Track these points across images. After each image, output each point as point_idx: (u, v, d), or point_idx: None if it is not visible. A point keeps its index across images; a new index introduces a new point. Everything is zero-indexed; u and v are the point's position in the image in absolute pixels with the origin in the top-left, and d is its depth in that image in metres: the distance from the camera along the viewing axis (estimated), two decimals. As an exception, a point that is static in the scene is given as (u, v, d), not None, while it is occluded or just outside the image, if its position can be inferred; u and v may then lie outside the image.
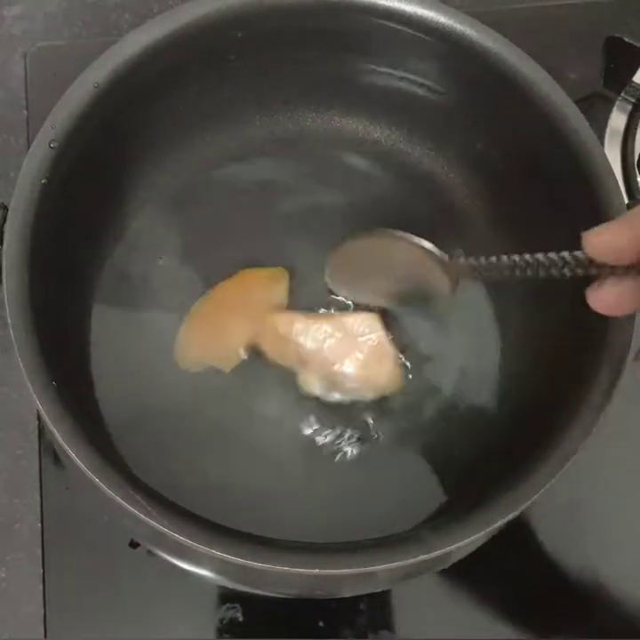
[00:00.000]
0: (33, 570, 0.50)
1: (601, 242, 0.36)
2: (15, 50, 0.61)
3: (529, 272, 0.39)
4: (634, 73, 0.58)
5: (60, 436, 0.37)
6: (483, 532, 0.37)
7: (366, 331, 0.49)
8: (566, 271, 0.38)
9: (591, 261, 0.37)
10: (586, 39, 0.60)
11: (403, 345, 0.50)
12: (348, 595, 0.48)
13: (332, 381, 0.48)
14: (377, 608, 0.49)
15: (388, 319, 0.49)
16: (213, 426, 0.48)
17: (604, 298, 0.37)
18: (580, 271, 0.38)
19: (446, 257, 0.43)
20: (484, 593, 0.50)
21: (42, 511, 0.51)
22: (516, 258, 0.39)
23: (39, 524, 0.51)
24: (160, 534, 0.37)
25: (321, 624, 0.49)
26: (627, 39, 0.58)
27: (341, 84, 0.52)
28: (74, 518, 0.50)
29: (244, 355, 0.49)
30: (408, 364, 0.49)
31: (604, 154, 0.44)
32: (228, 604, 0.49)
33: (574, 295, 0.38)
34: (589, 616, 0.50)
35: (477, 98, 0.48)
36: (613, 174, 0.43)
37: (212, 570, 0.43)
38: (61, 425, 0.37)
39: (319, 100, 0.53)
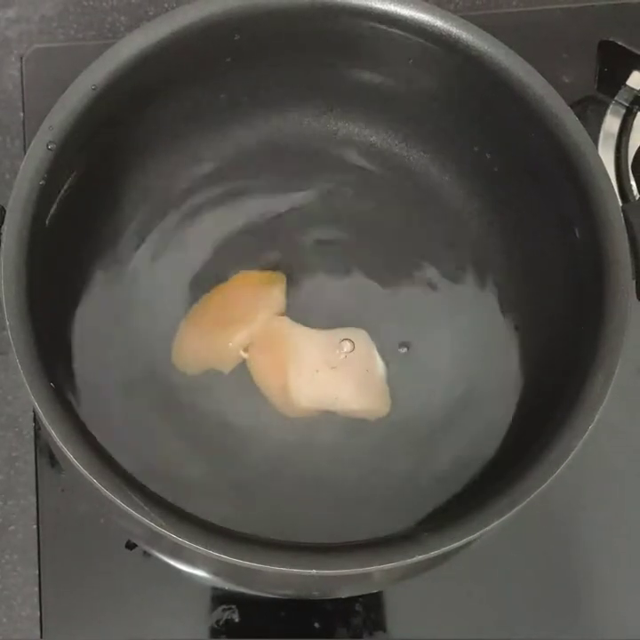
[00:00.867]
0: (28, 572, 0.50)
1: None
2: (11, 52, 0.61)
3: None
4: (627, 77, 0.59)
5: (57, 436, 0.37)
6: (479, 533, 0.37)
7: (358, 349, 0.49)
8: None
9: None
10: (579, 43, 0.61)
11: (395, 350, 0.50)
12: (343, 595, 0.48)
13: (323, 402, 0.48)
14: (372, 609, 0.49)
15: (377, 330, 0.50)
16: (211, 426, 0.48)
17: None
18: None
19: None
20: (480, 594, 0.50)
21: (37, 513, 0.51)
22: None
23: (34, 526, 0.51)
24: (157, 535, 0.37)
25: (316, 625, 0.49)
26: (620, 43, 0.58)
27: (337, 86, 0.52)
28: (69, 520, 0.50)
29: (244, 354, 0.49)
30: (402, 367, 0.50)
31: (599, 157, 0.44)
32: (224, 606, 0.49)
33: (569, 295, 0.39)
34: (585, 618, 0.50)
35: (473, 101, 0.49)
36: (608, 177, 0.44)
37: (208, 571, 0.43)
38: (59, 426, 0.37)
39: (315, 102, 0.53)
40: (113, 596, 0.49)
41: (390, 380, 0.49)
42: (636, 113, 0.59)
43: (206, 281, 0.51)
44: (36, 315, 0.39)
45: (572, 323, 0.45)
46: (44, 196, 0.41)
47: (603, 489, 0.52)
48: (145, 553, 0.49)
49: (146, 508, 0.36)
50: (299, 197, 0.53)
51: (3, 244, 0.40)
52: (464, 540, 0.37)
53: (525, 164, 0.48)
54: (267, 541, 0.38)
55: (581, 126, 0.45)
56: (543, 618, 0.50)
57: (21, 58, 0.61)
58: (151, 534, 0.37)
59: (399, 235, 0.53)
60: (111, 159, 0.48)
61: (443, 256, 0.52)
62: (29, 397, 0.38)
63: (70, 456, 0.37)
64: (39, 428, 0.52)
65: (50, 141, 0.42)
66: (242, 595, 0.49)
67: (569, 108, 0.45)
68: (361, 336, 0.50)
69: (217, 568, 0.42)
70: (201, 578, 0.46)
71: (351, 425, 0.48)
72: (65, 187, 0.44)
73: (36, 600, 0.49)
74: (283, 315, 0.50)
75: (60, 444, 0.37)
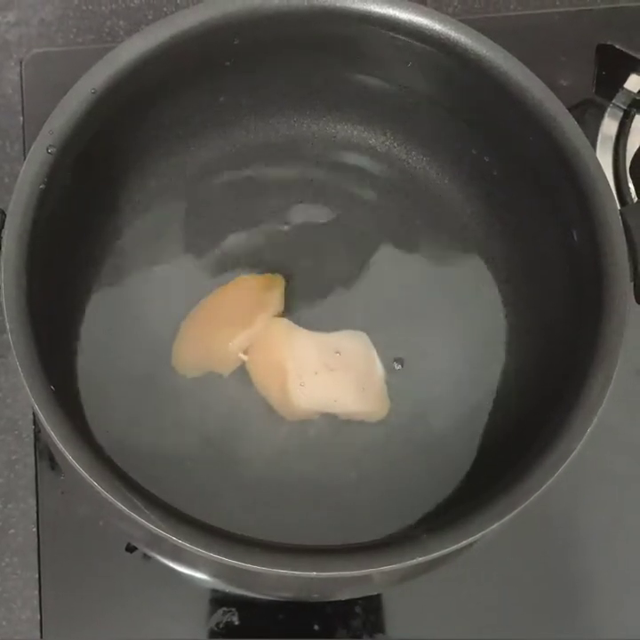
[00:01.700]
0: (28, 575, 0.50)
1: None
2: (10, 56, 0.62)
3: None
4: (625, 80, 0.59)
5: (57, 439, 0.37)
6: (479, 535, 0.37)
7: (356, 351, 0.49)
8: None
9: None
10: (577, 47, 0.61)
11: (394, 354, 0.50)
12: (343, 598, 0.48)
13: (322, 404, 0.49)
14: (372, 611, 0.49)
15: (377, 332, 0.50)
16: (211, 429, 0.48)
17: None
18: None
19: None
20: (480, 596, 0.50)
21: (37, 516, 0.51)
22: None
23: (34, 529, 0.51)
24: (157, 538, 0.37)
25: (316, 627, 0.49)
26: (618, 46, 0.58)
27: (336, 90, 0.52)
28: (69, 523, 0.50)
29: (243, 357, 0.49)
30: (402, 369, 0.50)
31: (597, 160, 0.44)
32: (224, 608, 0.49)
33: (568, 298, 0.39)
34: (584, 619, 0.50)
35: (471, 104, 0.49)
36: (606, 179, 0.44)
37: (208, 573, 0.43)
38: (59, 428, 0.37)
39: (314, 106, 0.53)
40: (113, 598, 0.49)
41: (389, 382, 0.49)
42: (633, 116, 0.59)
43: (206, 284, 0.51)
44: (36, 318, 0.39)
45: (570, 325, 0.45)
46: (44, 199, 0.41)
47: (602, 491, 0.52)
48: (145, 555, 0.49)
49: (146, 511, 0.36)
50: (297, 200, 0.53)
51: (3, 248, 0.40)
52: (463, 542, 0.37)
53: (524, 167, 0.48)
54: (266, 544, 0.38)
55: (579, 129, 0.45)
56: (542, 619, 0.50)
57: (21, 62, 0.61)
58: (151, 537, 0.37)
59: (398, 237, 0.53)
60: (111, 162, 0.48)
61: (441, 258, 0.52)
62: (29, 400, 0.38)
63: (70, 459, 0.37)
64: (39, 431, 0.52)
65: (50, 145, 0.42)
66: (241, 597, 0.49)
67: (567, 111, 0.45)
68: (360, 338, 0.50)
69: (217, 570, 0.42)
70: (201, 580, 0.46)
71: (350, 427, 0.48)
72: (65, 190, 0.44)
73: (36, 603, 0.49)
74: (280, 316, 0.50)
75: (60, 446, 0.37)
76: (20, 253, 0.40)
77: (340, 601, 0.49)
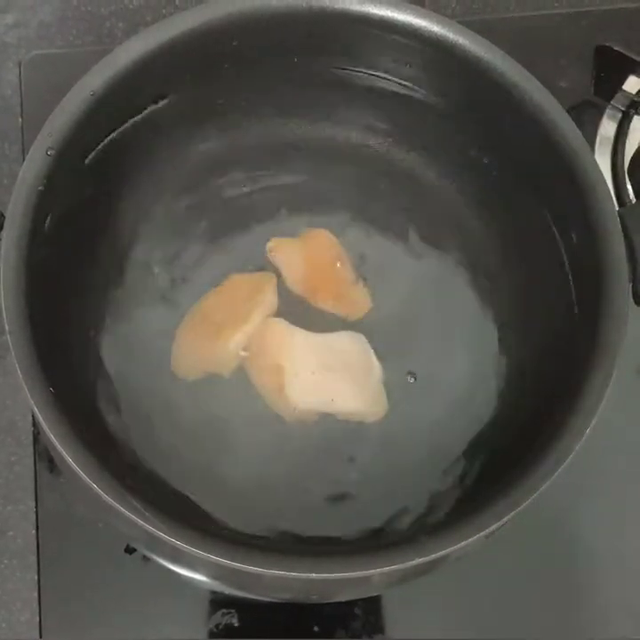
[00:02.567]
0: (27, 577, 0.50)
1: None
2: (9, 58, 0.62)
3: None
4: (623, 81, 0.59)
5: (57, 441, 0.37)
6: (478, 536, 0.37)
7: (354, 352, 0.49)
8: None
9: None
10: (576, 48, 0.61)
11: (393, 355, 0.50)
12: (343, 599, 0.48)
13: (320, 403, 0.49)
14: (371, 612, 0.49)
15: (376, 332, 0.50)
16: (210, 430, 0.48)
17: None
18: None
19: None
20: (479, 596, 0.50)
21: (36, 518, 0.51)
22: None
23: (33, 531, 0.51)
24: (156, 539, 0.37)
25: (316, 628, 0.49)
26: (616, 48, 0.58)
27: (335, 91, 0.52)
28: (68, 525, 0.50)
29: (243, 353, 0.49)
30: (401, 370, 0.50)
31: (595, 161, 0.44)
32: (223, 610, 0.49)
33: (567, 298, 0.39)
34: (585, 619, 0.50)
35: (470, 105, 0.49)
36: (604, 181, 0.44)
37: (207, 575, 0.43)
38: (58, 430, 0.38)
39: (313, 106, 0.53)
40: (112, 600, 0.49)
41: (386, 382, 0.49)
42: (632, 117, 0.59)
43: (202, 283, 0.51)
44: (35, 319, 0.39)
45: (570, 325, 0.45)
46: (43, 201, 0.42)
47: (601, 491, 0.52)
48: (144, 557, 0.49)
49: (145, 513, 0.37)
50: (296, 201, 0.53)
51: (2, 250, 0.40)
52: (463, 543, 0.37)
53: (522, 168, 0.48)
54: (266, 545, 0.38)
55: (578, 130, 0.45)
56: (542, 620, 0.50)
57: (20, 63, 0.61)
58: (150, 538, 0.37)
59: (395, 239, 0.53)
60: (109, 164, 0.48)
61: (439, 258, 0.52)
62: (28, 402, 0.38)
63: (69, 460, 0.37)
64: (38, 433, 0.52)
65: (49, 147, 0.42)
66: (241, 598, 0.49)
67: (566, 112, 0.46)
68: (358, 339, 0.50)
69: (216, 572, 0.42)
70: (200, 582, 0.46)
71: (349, 427, 0.49)
72: (64, 192, 0.44)
73: (36, 605, 0.49)
74: (274, 314, 0.50)
75: (59, 448, 0.37)
76: (19, 255, 0.40)
77: (340, 602, 0.49)
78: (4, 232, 0.40)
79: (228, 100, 0.52)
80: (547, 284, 0.49)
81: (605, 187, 0.44)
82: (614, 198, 0.53)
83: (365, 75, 0.50)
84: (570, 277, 0.46)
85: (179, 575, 0.44)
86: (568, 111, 0.46)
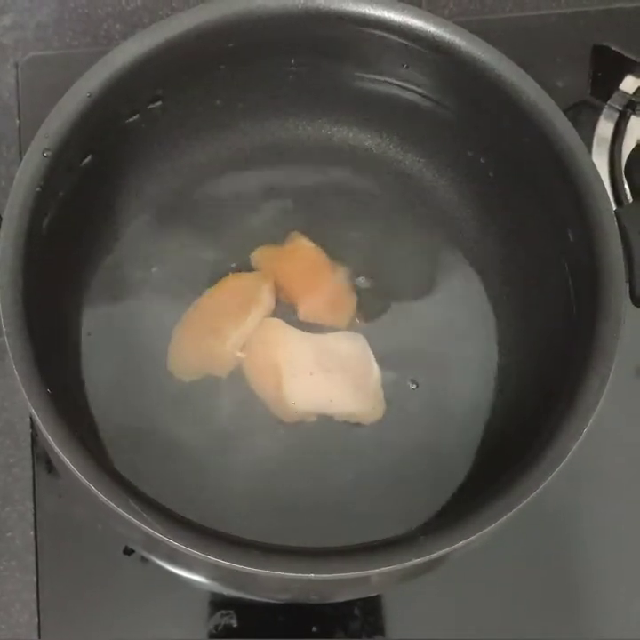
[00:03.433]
0: (26, 578, 0.50)
1: None
2: (6, 59, 0.62)
3: None
4: (620, 81, 0.59)
5: (54, 442, 0.37)
6: (476, 536, 0.37)
7: (352, 352, 0.49)
8: None
9: None
10: (573, 48, 0.61)
11: (392, 355, 0.50)
12: (342, 599, 0.48)
13: (317, 404, 0.49)
14: (371, 612, 0.49)
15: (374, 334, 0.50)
16: (208, 432, 0.48)
17: None
18: None
19: None
20: (478, 597, 0.50)
21: (35, 519, 0.51)
22: None
23: (32, 533, 0.51)
24: (154, 541, 0.37)
25: (315, 629, 0.49)
26: (613, 48, 0.58)
27: (332, 92, 0.52)
28: (67, 526, 0.50)
29: (240, 355, 0.49)
30: (400, 371, 0.50)
31: (592, 161, 0.44)
32: (222, 611, 0.49)
33: (564, 298, 0.39)
34: (585, 619, 0.50)
35: (467, 106, 0.49)
36: (601, 181, 0.44)
37: (206, 576, 0.43)
38: (56, 432, 0.37)
39: (310, 108, 0.53)
40: (111, 601, 0.49)
41: (384, 384, 0.49)
42: (629, 117, 0.59)
43: (200, 286, 0.51)
44: (32, 321, 0.39)
45: (567, 325, 0.45)
46: (40, 202, 0.41)
47: (600, 491, 0.52)
48: (143, 558, 0.49)
49: (143, 514, 0.37)
50: (294, 202, 0.53)
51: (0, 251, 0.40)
52: (461, 543, 0.37)
53: (519, 168, 0.48)
54: (264, 546, 0.38)
55: (575, 131, 0.45)
56: (542, 620, 0.50)
57: (17, 65, 0.61)
58: (149, 540, 0.37)
59: (393, 239, 0.53)
60: (106, 165, 0.48)
61: (437, 259, 0.53)
62: (26, 404, 0.38)
63: (67, 462, 0.37)
64: (36, 435, 0.52)
65: (46, 148, 0.42)
66: (240, 599, 0.49)
67: (562, 112, 0.46)
68: (356, 340, 0.50)
69: (215, 573, 0.42)
70: (199, 583, 0.46)
71: (346, 429, 0.49)
72: (61, 193, 0.44)
73: (34, 606, 0.49)
74: (271, 313, 0.50)
75: (57, 449, 0.37)
76: (17, 256, 0.40)
77: (339, 602, 0.49)
78: (2, 233, 0.40)
79: (225, 100, 0.52)
80: (545, 284, 0.49)
81: (602, 186, 0.44)
82: (611, 198, 0.53)
83: (362, 76, 0.51)
84: (568, 277, 0.46)
85: (177, 576, 0.44)
86: (565, 111, 0.46)
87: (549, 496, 0.39)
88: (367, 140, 0.54)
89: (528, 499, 0.38)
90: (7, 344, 0.38)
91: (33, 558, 0.50)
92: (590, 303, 0.42)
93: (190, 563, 0.41)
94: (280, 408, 0.48)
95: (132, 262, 0.51)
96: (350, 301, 0.51)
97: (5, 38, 0.62)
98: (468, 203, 0.53)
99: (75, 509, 0.50)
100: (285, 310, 0.51)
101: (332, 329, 0.50)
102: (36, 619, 0.49)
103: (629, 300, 0.43)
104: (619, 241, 0.43)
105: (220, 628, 0.49)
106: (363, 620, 0.49)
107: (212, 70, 0.49)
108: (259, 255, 0.51)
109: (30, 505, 0.51)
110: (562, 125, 0.45)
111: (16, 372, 0.38)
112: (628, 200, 0.57)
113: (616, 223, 0.43)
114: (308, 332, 0.50)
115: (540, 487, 0.38)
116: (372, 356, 0.49)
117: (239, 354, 0.49)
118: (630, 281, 0.43)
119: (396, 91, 0.51)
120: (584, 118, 0.59)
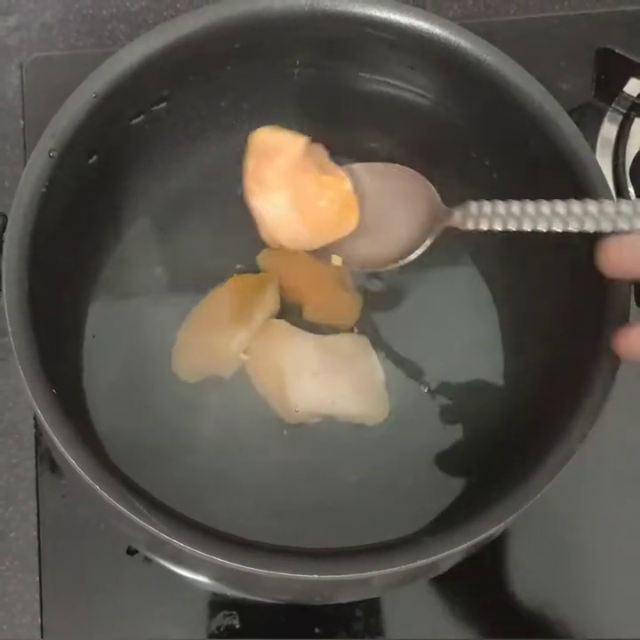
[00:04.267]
0: (29, 579, 0.50)
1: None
2: (11, 60, 0.62)
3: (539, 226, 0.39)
4: (624, 83, 0.59)
5: (59, 442, 0.37)
6: (479, 538, 0.37)
7: (356, 353, 0.49)
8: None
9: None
10: (577, 50, 0.61)
11: (396, 357, 0.50)
12: (344, 600, 0.48)
13: (321, 405, 0.49)
14: (373, 613, 0.49)
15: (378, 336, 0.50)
16: (212, 432, 0.48)
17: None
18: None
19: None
20: (479, 600, 0.50)
21: (38, 519, 0.51)
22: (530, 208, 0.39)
23: (35, 533, 0.51)
24: (158, 541, 0.37)
25: (317, 630, 0.49)
26: (617, 50, 0.58)
27: (337, 93, 0.52)
28: (70, 526, 0.50)
29: (243, 357, 0.49)
30: (403, 372, 0.50)
31: (597, 163, 0.45)
32: (224, 611, 0.49)
33: (569, 301, 0.38)
34: (585, 619, 0.50)
35: (471, 108, 0.49)
36: (606, 183, 0.44)
37: (209, 576, 0.43)
38: (61, 432, 0.38)
39: (314, 109, 0.53)
40: (114, 602, 0.49)
41: (388, 385, 0.49)
42: (633, 119, 0.59)
43: (204, 287, 0.51)
44: (37, 321, 0.40)
45: (572, 328, 0.45)
46: (45, 202, 0.42)
47: (603, 493, 0.52)
48: (146, 559, 0.49)
49: (147, 514, 0.37)
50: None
51: (5, 252, 0.40)
52: (464, 545, 0.37)
53: (524, 170, 0.48)
54: (268, 547, 0.38)
55: (579, 133, 0.45)
56: (542, 620, 0.50)
57: (21, 66, 0.61)
58: (152, 540, 0.37)
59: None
60: (111, 166, 0.48)
61: (442, 260, 0.52)
62: (30, 403, 0.38)
63: (72, 461, 0.37)
64: (40, 434, 0.52)
65: (51, 149, 0.42)
66: (242, 600, 0.49)
67: (567, 114, 0.46)
68: (360, 342, 0.50)
69: (218, 574, 0.42)
70: (202, 583, 0.46)
71: (350, 430, 0.49)
72: (66, 194, 0.44)
73: (37, 607, 0.49)
74: (277, 314, 0.50)
75: (62, 449, 0.37)
76: (22, 257, 0.40)
77: (341, 604, 0.49)
78: (7, 234, 0.40)
79: (230, 101, 0.52)
80: (548, 285, 0.49)
81: (607, 189, 0.44)
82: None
83: (367, 77, 0.51)
84: (571, 279, 0.46)
85: (180, 577, 0.44)
86: (569, 113, 0.46)
87: (552, 497, 0.39)
88: (371, 141, 0.54)
89: (532, 501, 0.38)
90: (12, 344, 0.39)
91: (36, 558, 0.50)
92: (595, 305, 0.42)
93: (194, 563, 0.41)
94: (284, 409, 0.48)
95: (136, 263, 0.51)
96: (355, 303, 0.51)
97: (10, 39, 0.63)
98: (473, 205, 0.53)
99: (78, 509, 0.50)
100: (291, 311, 0.51)
101: (337, 330, 0.50)
102: (39, 619, 0.49)
103: (634, 301, 0.43)
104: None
105: (222, 628, 0.49)
106: (365, 621, 0.49)
107: (217, 71, 0.49)
108: (266, 257, 0.52)
109: (33, 505, 0.51)
110: (567, 127, 0.45)
111: (21, 372, 0.38)
112: (631, 202, 0.57)
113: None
114: (313, 332, 0.50)
115: (544, 490, 0.38)
116: (376, 357, 0.49)
117: (243, 355, 0.49)
118: (635, 283, 0.43)
119: (400, 92, 0.51)
120: (588, 121, 0.59)
